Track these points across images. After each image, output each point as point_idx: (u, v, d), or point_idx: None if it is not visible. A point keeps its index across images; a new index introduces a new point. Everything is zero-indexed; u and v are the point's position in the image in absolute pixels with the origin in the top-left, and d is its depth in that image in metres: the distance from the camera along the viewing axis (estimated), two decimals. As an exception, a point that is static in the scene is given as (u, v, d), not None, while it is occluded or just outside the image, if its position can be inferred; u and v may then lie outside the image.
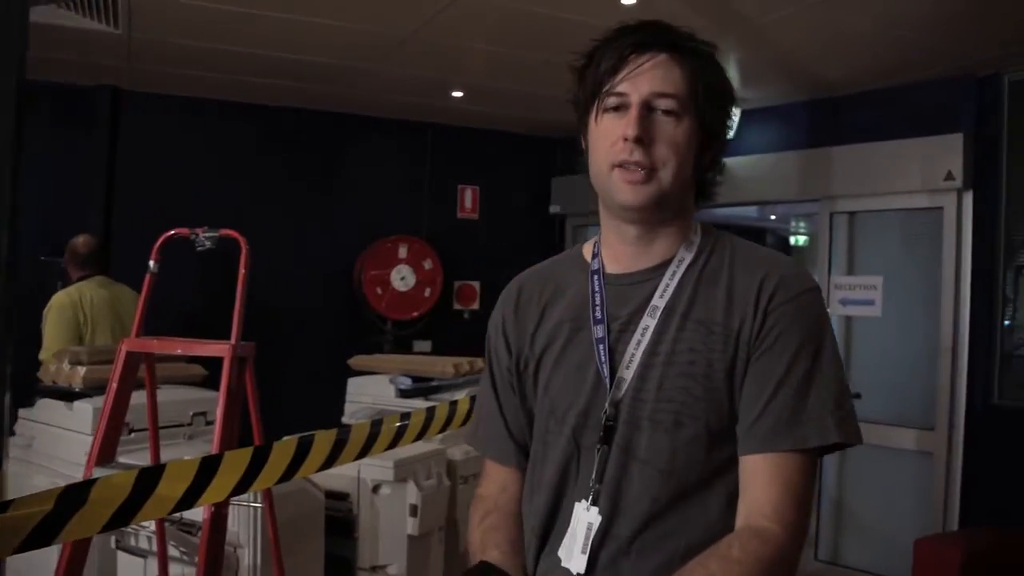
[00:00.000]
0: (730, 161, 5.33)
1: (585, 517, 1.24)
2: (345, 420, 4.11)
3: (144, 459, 3.08)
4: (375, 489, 3.28)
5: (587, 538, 1.23)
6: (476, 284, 6.30)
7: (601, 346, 1.27)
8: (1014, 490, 4.09)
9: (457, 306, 6.26)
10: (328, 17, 3.95)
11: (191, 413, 3.61)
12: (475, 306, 6.28)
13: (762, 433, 1.19)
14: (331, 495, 3.22)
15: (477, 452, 1.52)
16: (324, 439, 2.39)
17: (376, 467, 3.24)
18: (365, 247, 5.85)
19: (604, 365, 1.26)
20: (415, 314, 5.87)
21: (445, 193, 6.27)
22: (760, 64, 4.52)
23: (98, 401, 3.39)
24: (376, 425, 2.60)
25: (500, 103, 5.58)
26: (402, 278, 5.80)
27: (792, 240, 15.33)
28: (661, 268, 1.29)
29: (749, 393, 1.21)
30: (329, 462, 2.42)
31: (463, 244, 6.25)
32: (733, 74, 4.67)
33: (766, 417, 1.19)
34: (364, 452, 2.57)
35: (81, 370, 3.56)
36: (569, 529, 1.26)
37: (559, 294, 1.37)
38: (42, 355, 4.08)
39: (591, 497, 1.24)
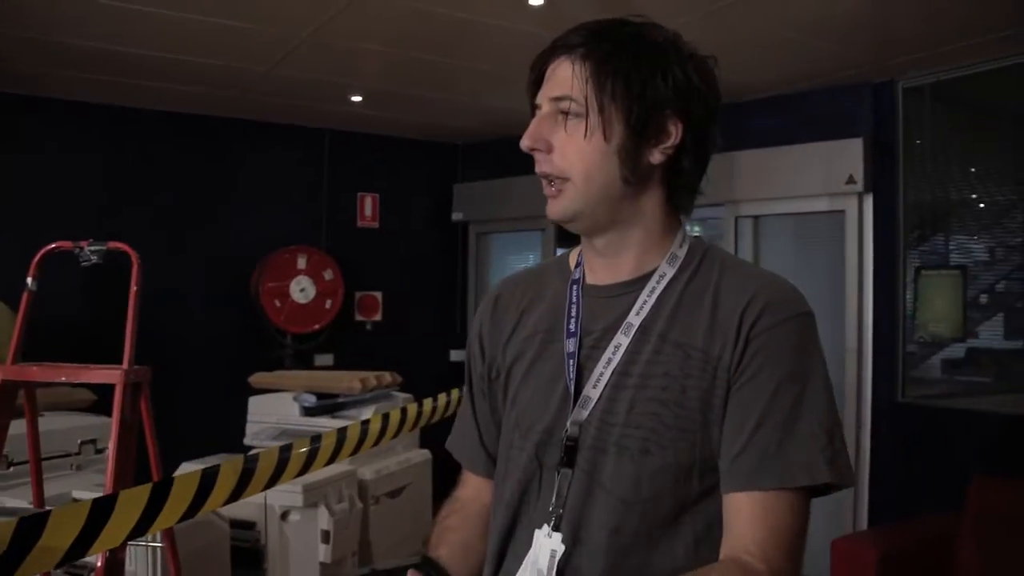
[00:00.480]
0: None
1: (547, 544, 1.14)
2: (247, 441, 3.90)
3: (26, 496, 2.82)
4: (284, 516, 3.10)
5: (550, 567, 1.13)
6: (378, 295, 6.10)
7: (571, 361, 1.18)
8: (919, 487, 4.19)
9: (359, 317, 6.06)
10: (222, 16, 3.71)
11: (79, 441, 3.35)
12: (377, 317, 6.09)
13: (745, 469, 1.09)
14: (236, 524, 3.02)
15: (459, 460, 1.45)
16: (230, 469, 2.21)
17: (284, 492, 3.06)
18: (261, 258, 5.58)
19: (571, 382, 1.18)
20: (316, 327, 5.63)
21: (344, 201, 6.05)
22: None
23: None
24: (285, 451, 2.43)
25: (400, 108, 5.42)
26: (301, 290, 5.56)
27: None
28: (640, 282, 1.20)
29: (731, 426, 1.11)
30: (236, 494, 2.24)
31: (364, 253, 6.05)
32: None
33: (749, 451, 1.09)
34: (273, 480, 2.39)
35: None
36: (530, 555, 1.16)
37: (537, 301, 1.29)
38: None
39: (553, 522, 1.15)
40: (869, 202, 4.49)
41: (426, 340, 6.19)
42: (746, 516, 1.08)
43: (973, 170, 4.36)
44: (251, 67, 4.49)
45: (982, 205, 4.32)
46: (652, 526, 1.12)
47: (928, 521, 3.80)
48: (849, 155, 4.45)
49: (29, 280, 2.39)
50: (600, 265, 1.23)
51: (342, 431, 2.67)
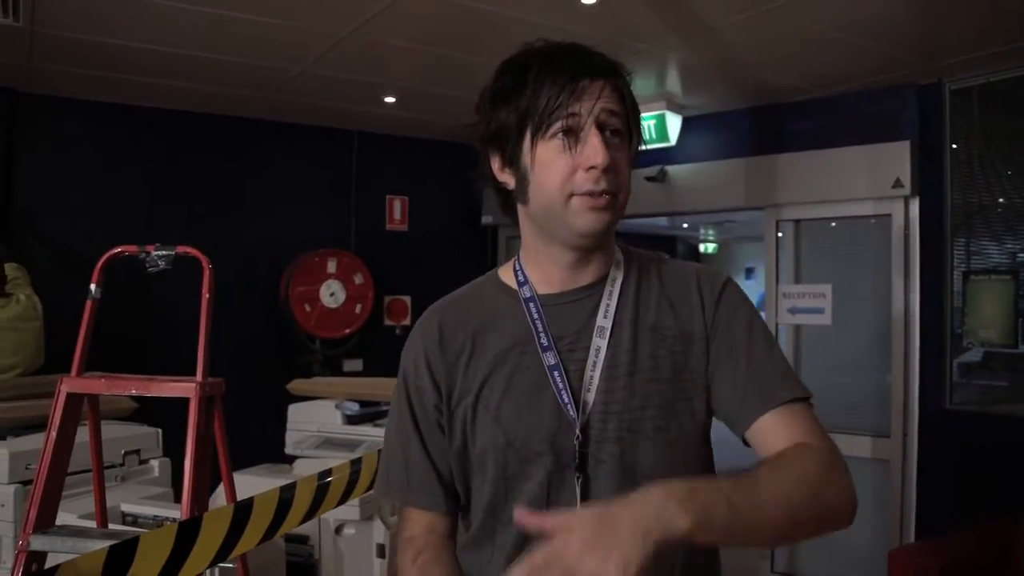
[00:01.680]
0: (672, 169, 5.30)
1: None
2: (289, 451, 3.81)
3: (77, 510, 2.74)
4: (338, 530, 3.01)
5: None
6: (407, 299, 6.02)
7: (556, 372, 1.23)
8: (968, 495, 4.11)
9: (388, 322, 5.97)
10: (255, 13, 3.61)
11: (122, 452, 3.26)
12: (407, 322, 6.00)
13: (759, 395, 1.20)
14: (291, 539, 2.94)
15: (396, 502, 1.38)
16: (306, 488, 2.13)
17: (341, 507, 2.96)
18: (291, 261, 5.49)
19: (564, 391, 1.22)
20: (347, 331, 5.55)
21: (373, 204, 5.97)
22: (706, 70, 4.44)
23: (14, 444, 3.02)
24: (356, 464, 2.35)
25: (433, 109, 5.32)
26: (331, 294, 5.48)
27: (702, 247, 15.64)
28: (594, 287, 1.28)
29: (726, 371, 1.23)
30: (312, 512, 2.16)
31: (393, 257, 5.97)
32: (676, 78, 4.59)
33: (754, 380, 1.22)
34: (346, 496, 2.33)
35: (-11, 408, 3.17)
36: None
37: (489, 321, 1.30)
38: None
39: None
40: (916, 206, 4.41)
41: (454, 344, 6.10)
42: (782, 428, 1.18)
43: (1010, 173, 4.29)
44: (286, 66, 4.41)
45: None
46: None
47: (984, 530, 3.72)
48: (896, 158, 4.37)
49: (93, 287, 2.29)
50: (560, 276, 1.29)
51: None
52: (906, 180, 4.34)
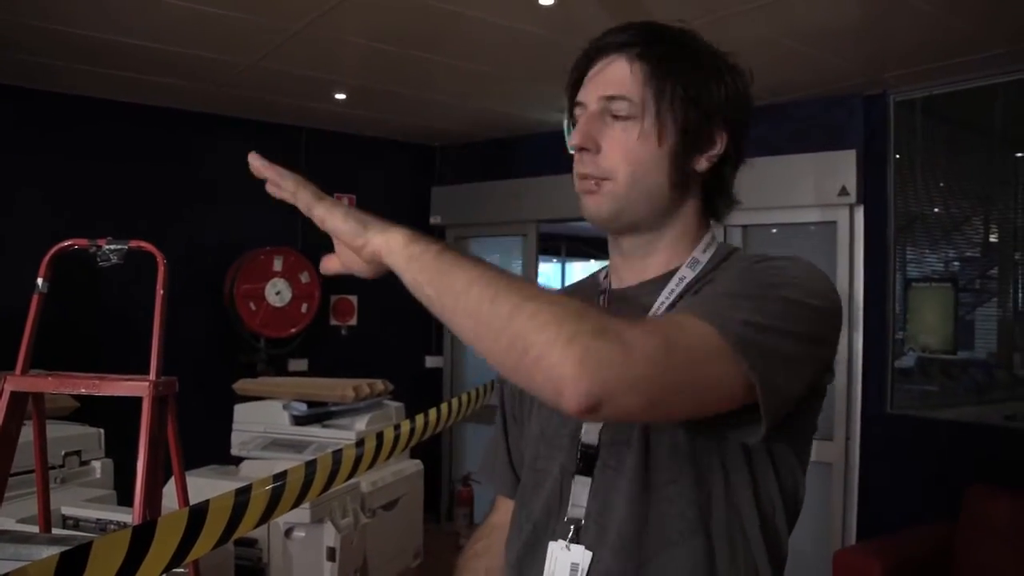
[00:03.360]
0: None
1: (565, 557, 1.11)
2: (236, 452, 3.74)
3: (19, 513, 2.64)
4: (287, 533, 2.96)
5: None
6: (354, 298, 5.95)
7: None
8: (909, 497, 4.21)
9: (334, 322, 5.89)
10: (204, 4, 3.52)
11: (63, 453, 3.16)
12: (352, 322, 5.94)
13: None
14: (239, 542, 2.86)
15: (489, 485, 1.43)
16: (262, 491, 2.08)
17: (293, 510, 2.91)
18: (236, 259, 5.38)
19: None
20: (292, 331, 5.46)
21: (320, 201, 5.87)
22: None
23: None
24: (311, 466, 2.30)
25: (383, 107, 5.28)
26: (277, 292, 5.38)
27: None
28: (662, 282, 1.19)
29: None
30: (266, 515, 2.11)
31: (341, 256, 5.88)
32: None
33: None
34: (300, 499, 2.26)
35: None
36: (546, 571, 1.13)
37: None
38: None
39: (570, 534, 1.11)
40: (860, 214, 4.51)
41: (401, 346, 6.06)
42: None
43: (942, 184, 4.42)
44: (235, 59, 4.32)
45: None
46: (696, 503, 1.09)
47: (926, 531, 3.82)
48: (842, 166, 4.46)
49: (39, 281, 2.21)
50: (626, 268, 1.23)
51: (360, 443, 2.56)
52: (852, 188, 4.43)
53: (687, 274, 1.18)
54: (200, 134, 5.37)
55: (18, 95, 4.74)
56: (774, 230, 4.90)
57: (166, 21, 3.73)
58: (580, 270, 12.89)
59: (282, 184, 1.04)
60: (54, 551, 1.57)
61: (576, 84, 1.19)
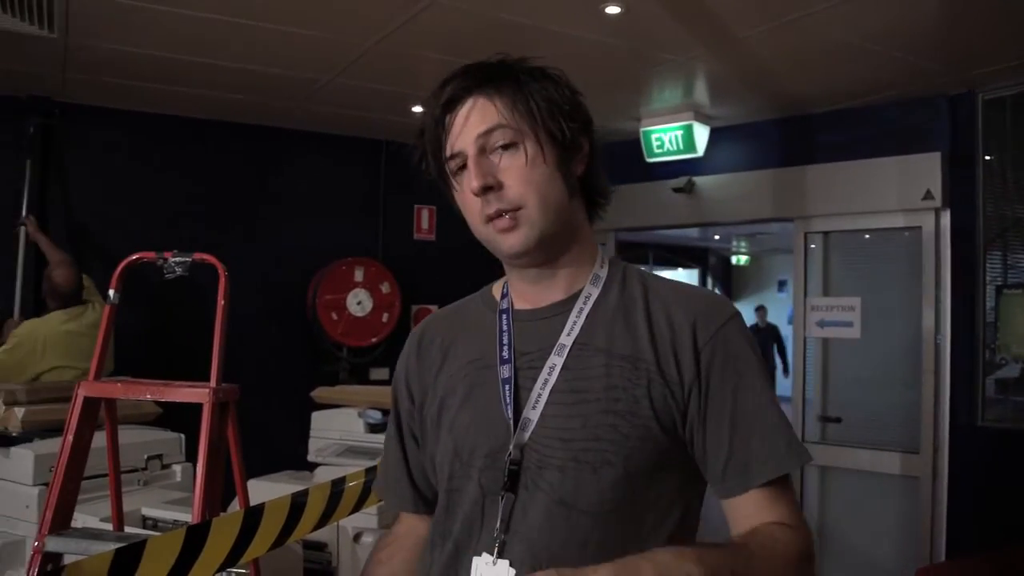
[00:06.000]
0: (699, 180, 5.27)
1: (489, 572, 1.13)
2: (311, 458, 3.82)
3: (99, 512, 2.77)
4: (356, 537, 3.01)
5: None
6: (434, 308, 6.01)
7: (507, 386, 1.19)
8: (1000, 514, 4.02)
9: (415, 331, 5.98)
10: (284, 24, 3.65)
11: (145, 456, 3.29)
12: (433, 331, 6.01)
13: (739, 471, 1.14)
14: (309, 545, 2.94)
15: (381, 501, 1.48)
16: (319, 495, 2.14)
17: (357, 513, 2.97)
18: (318, 270, 5.53)
19: (508, 407, 1.18)
20: (373, 340, 5.57)
21: (401, 213, 6.00)
22: (733, 80, 4.41)
23: (40, 446, 3.06)
24: (371, 472, 2.35)
25: (460, 119, 5.34)
26: (359, 302, 5.51)
27: (733, 259, 15.52)
28: (569, 303, 1.23)
29: (710, 436, 1.16)
30: (324, 519, 2.16)
31: (420, 266, 5.99)
32: (703, 88, 4.56)
33: (736, 458, 1.15)
34: (359, 504, 2.32)
35: (19, 411, 3.22)
36: None
37: (464, 334, 1.31)
38: None
39: (496, 549, 1.14)
40: (947, 218, 4.34)
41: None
42: (754, 511, 1.14)
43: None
44: (315, 76, 4.45)
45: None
46: (623, 534, 1.13)
47: (1012, 552, 3.63)
48: (927, 169, 4.31)
49: (111, 292, 2.33)
50: (530, 292, 1.25)
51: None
52: (937, 192, 4.28)
53: (592, 292, 1.23)
54: (286, 149, 5.54)
55: (110, 116, 4.98)
56: (865, 236, 4.76)
57: (246, 42, 3.88)
58: (668, 277, 12.72)
59: None
60: (116, 547, 1.65)
61: (437, 146, 1.21)
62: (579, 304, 1.21)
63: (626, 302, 1.21)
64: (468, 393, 1.24)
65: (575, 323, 1.20)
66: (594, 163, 1.25)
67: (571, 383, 1.16)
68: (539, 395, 1.16)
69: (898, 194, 4.41)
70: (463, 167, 1.19)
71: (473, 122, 1.17)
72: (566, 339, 1.19)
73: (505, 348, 1.22)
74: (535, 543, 1.12)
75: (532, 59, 1.23)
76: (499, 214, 1.16)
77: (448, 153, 1.20)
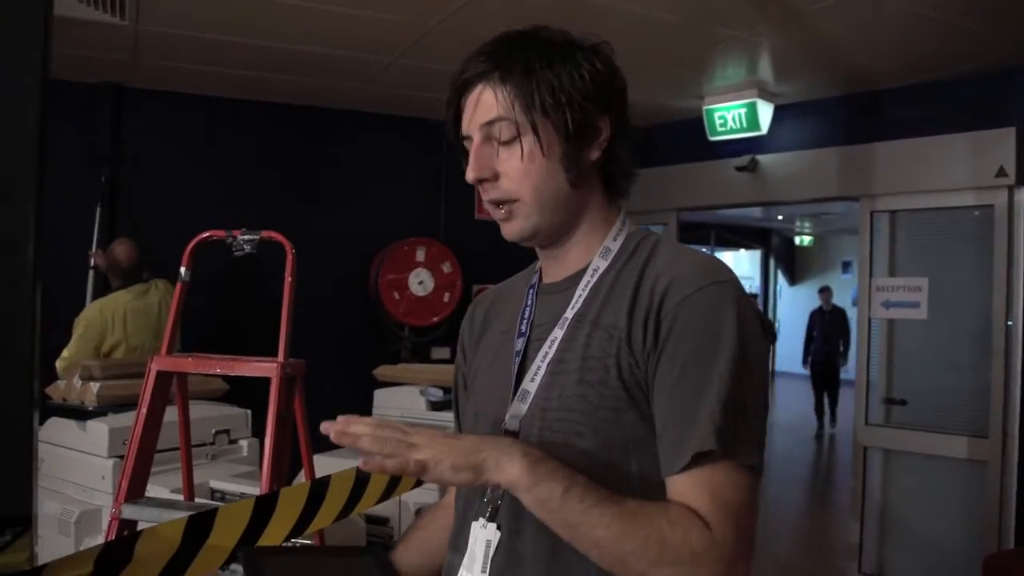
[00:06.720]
0: (763, 159, 5.20)
1: (483, 535, 1.17)
2: (374, 435, 3.90)
3: (170, 484, 2.87)
4: (417, 512, 3.06)
5: (486, 557, 1.16)
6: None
7: (517, 359, 1.23)
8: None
9: (476, 311, 6.04)
10: (347, 6, 3.70)
11: (213, 431, 3.40)
12: (493, 310, 6.06)
13: (666, 453, 1.09)
14: (371, 520, 3.01)
15: None
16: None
17: (418, 488, 3.02)
18: (380, 250, 5.61)
19: (513, 377, 1.22)
20: (434, 319, 5.64)
21: (462, 193, 6.02)
22: (798, 56, 4.34)
23: (114, 420, 3.18)
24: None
25: (521, 99, 5.35)
26: (420, 282, 5.57)
27: (797, 240, 15.28)
28: (578, 276, 1.24)
29: (656, 409, 1.11)
30: (388, 492, 2.21)
31: (481, 246, 6.00)
32: (767, 65, 4.48)
33: (668, 433, 1.08)
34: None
35: (94, 386, 3.34)
36: (468, 548, 1.19)
37: (503, 306, 1.35)
38: (59, 365, 3.86)
39: (488, 513, 1.17)
40: (1022, 195, 4.21)
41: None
42: (677, 496, 1.06)
43: None
44: (376, 57, 4.50)
45: None
46: None
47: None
48: (1000, 145, 4.19)
49: (183, 270, 2.41)
50: (550, 265, 1.28)
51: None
52: (1011, 169, 4.15)
53: (600, 264, 1.22)
54: (349, 131, 5.62)
55: (178, 100, 5.11)
56: (935, 213, 4.64)
57: (312, 25, 3.95)
58: (730, 260, 12.61)
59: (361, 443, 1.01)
60: (187, 514, 1.72)
61: (456, 118, 1.22)
62: (586, 277, 1.21)
63: (627, 272, 1.19)
64: (492, 362, 1.29)
65: (580, 296, 1.20)
66: (615, 145, 1.21)
67: (561, 355, 1.17)
68: (538, 367, 1.19)
69: (969, 171, 4.29)
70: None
71: (478, 111, 1.18)
72: (569, 312, 1.20)
73: (524, 322, 1.26)
74: (514, 509, 1.13)
75: (587, 34, 1.21)
76: (496, 203, 1.19)
77: (463, 133, 1.21)
